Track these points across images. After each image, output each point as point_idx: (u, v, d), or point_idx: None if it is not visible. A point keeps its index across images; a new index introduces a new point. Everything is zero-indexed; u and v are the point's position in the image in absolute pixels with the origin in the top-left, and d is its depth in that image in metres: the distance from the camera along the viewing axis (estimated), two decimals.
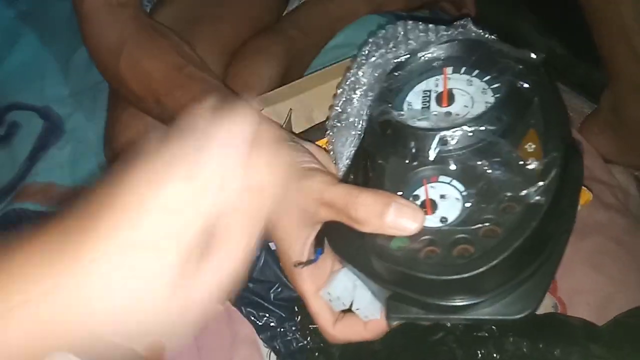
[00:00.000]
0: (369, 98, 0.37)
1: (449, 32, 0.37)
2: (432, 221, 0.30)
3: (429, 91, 0.35)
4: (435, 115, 0.33)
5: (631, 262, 0.53)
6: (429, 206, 0.30)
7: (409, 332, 0.46)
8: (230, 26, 0.69)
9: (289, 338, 0.51)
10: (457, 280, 0.27)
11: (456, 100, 0.34)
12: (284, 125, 0.52)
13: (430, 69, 0.36)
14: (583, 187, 0.43)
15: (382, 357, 0.45)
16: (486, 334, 0.43)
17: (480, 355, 0.42)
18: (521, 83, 0.32)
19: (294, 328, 0.50)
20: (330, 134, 0.40)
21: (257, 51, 0.69)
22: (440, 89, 0.35)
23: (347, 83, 0.39)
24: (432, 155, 0.31)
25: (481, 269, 0.27)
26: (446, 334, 0.45)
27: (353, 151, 0.38)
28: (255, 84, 0.66)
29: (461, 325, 0.45)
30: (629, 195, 0.58)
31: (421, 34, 0.37)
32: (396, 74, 0.36)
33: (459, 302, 0.28)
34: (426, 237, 0.29)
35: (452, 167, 0.31)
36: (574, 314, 0.50)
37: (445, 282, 0.27)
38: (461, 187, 0.30)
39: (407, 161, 0.32)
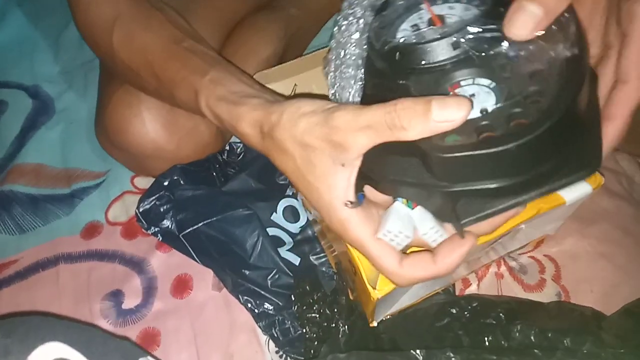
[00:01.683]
0: (364, 43, 0.37)
1: None
2: (475, 114, 0.30)
3: (416, 25, 0.35)
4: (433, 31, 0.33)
5: (637, 250, 0.52)
6: None
7: (414, 319, 0.45)
8: (227, 3, 0.67)
9: (287, 326, 0.49)
10: (523, 146, 0.27)
11: (447, 22, 0.34)
12: None
13: (410, 7, 0.36)
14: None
15: (387, 343, 0.44)
16: (493, 322, 0.42)
17: (487, 343, 0.41)
18: None
19: (292, 316, 0.49)
20: (333, 91, 0.39)
21: (255, 29, 0.67)
22: (427, 19, 0.35)
23: (340, 31, 0.38)
24: (448, 60, 0.31)
25: (544, 127, 0.26)
26: (452, 320, 0.44)
27: (359, 102, 0.37)
28: (253, 62, 0.64)
29: (467, 312, 0.44)
30: (634, 183, 0.57)
31: None
32: (383, 13, 0.37)
33: (528, 176, 0.28)
34: (479, 123, 0.28)
35: (472, 66, 0.31)
36: (577, 302, 0.49)
37: (512, 154, 0.27)
38: (487, 81, 0.30)
39: (424, 76, 0.31)
